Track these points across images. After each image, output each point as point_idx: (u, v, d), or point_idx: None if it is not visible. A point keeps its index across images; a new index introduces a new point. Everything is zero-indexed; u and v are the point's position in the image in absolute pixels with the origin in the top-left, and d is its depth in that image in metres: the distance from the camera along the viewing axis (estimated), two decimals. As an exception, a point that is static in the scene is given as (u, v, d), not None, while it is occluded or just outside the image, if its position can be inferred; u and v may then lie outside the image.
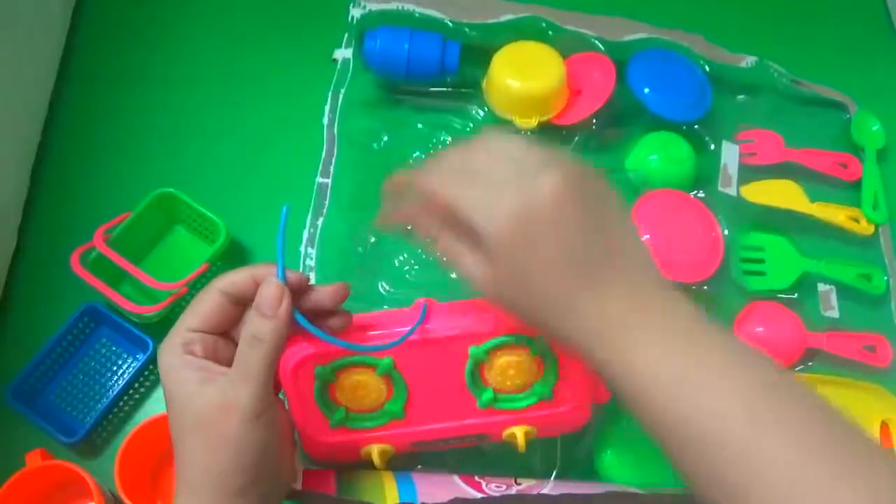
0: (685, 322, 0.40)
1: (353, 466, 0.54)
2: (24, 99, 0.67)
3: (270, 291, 0.41)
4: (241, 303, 0.44)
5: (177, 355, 0.42)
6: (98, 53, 0.74)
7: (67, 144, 0.70)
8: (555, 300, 0.40)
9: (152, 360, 0.61)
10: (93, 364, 0.62)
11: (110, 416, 0.61)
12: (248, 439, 0.40)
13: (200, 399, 0.40)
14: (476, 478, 0.54)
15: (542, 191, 0.39)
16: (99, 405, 0.59)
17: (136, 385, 0.62)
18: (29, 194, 0.67)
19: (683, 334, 0.39)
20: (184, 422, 0.41)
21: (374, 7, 0.73)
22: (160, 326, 0.61)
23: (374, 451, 0.50)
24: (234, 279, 0.43)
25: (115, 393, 0.59)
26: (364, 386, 0.49)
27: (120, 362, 0.62)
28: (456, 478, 0.54)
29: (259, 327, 0.41)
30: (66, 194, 0.68)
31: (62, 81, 0.72)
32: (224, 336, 0.44)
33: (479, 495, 0.50)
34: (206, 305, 0.43)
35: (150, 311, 0.60)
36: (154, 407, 0.62)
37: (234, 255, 0.66)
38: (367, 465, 0.53)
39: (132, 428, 0.56)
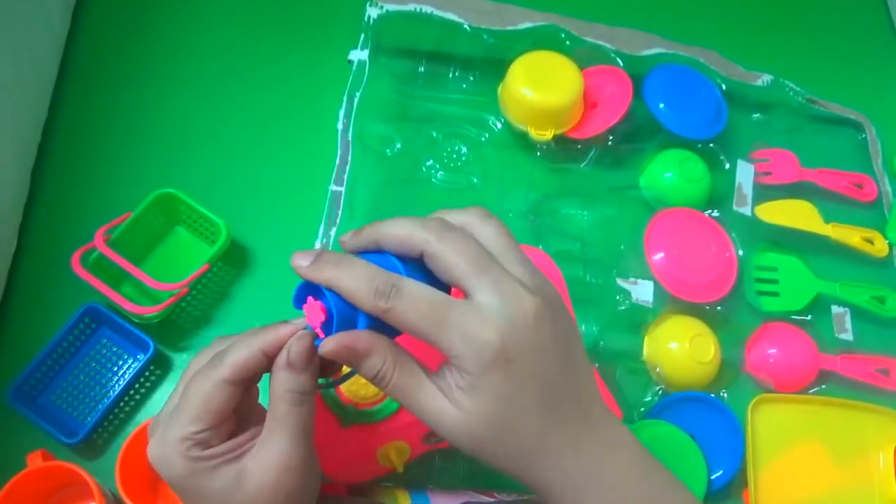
0: (637, 455, 0.44)
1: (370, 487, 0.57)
2: (25, 99, 0.68)
3: (304, 345, 0.41)
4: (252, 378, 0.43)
5: (191, 459, 0.40)
6: (98, 53, 0.77)
7: (68, 145, 0.72)
8: (531, 447, 0.41)
9: (153, 361, 0.64)
10: (93, 365, 0.64)
11: (111, 417, 0.62)
12: (308, 490, 0.42)
13: (247, 475, 0.40)
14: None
15: (526, 315, 0.39)
16: (100, 406, 0.61)
17: (137, 386, 0.64)
18: (30, 195, 0.69)
19: (638, 470, 0.44)
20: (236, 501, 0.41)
21: (392, 7, 0.76)
22: (161, 327, 0.65)
23: (391, 449, 0.53)
24: (243, 364, 0.41)
25: (115, 393, 0.61)
26: None
27: (121, 363, 0.64)
28: (470, 492, 0.57)
29: (298, 382, 0.41)
30: (66, 195, 0.70)
31: (62, 82, 0.74)
32: None
33: (492, 500, 0.54)
34: (216, 403, 0.40)
35: (150, 311, 0.62)
36: (155, 408, 0.63)
37: (234, 256, 0.69)
38: (386, 478, 0.56)
39: (133, 429, 0.58)
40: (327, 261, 0.40)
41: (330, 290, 0.40)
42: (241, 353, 0.41)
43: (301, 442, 0.41)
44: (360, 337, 0.40)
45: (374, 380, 0.41)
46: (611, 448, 0.43)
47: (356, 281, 0.39)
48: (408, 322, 0.39)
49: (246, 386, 0.42)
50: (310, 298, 0.41)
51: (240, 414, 0.43)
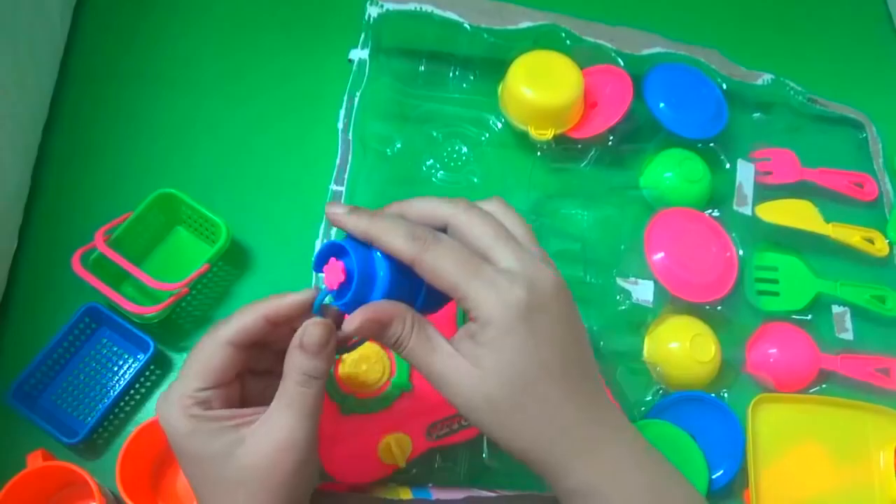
0: (639, 440, 0.44)
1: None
2: (25, 100, 0.68)
3: (319, 332, 0.42)
4: (255, 346, 0.44)
5: (191, 418, 0.41)
6: (98, 53, 0.77)
7: (68, 145, 0.72)
8: (547, 414, 0.41)
9: (153, 361, 0.64)
10: (94, 364, 0.64)
11: (111, 417, 0.63)
12: (305, 475, 0.42)
13: (245, 447, 0.41)
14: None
15: (547, 282, 0.41)
16: (100, 406, 0.61)
17: (137, 385, 0.64)
18: (30, 195, 0.69)
19: (642, 453, 0.44)
20: (225, 476, 0.41)
21: (392, 6, 0.76)
22: (161, 327, 0.65)
23: (392, 441, 0.53)
24: (243, 326, 0.43)
25: (116, 393, 0.61)
26: (366, 358, 0.53)
27: (121, 363, 0.64)
28: (472, 490, 0.57)
29: (311, 365, 0.41)
30: (66, 195, 0.70)
31: (62, 82, 0.74)
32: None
33: (494, 495, 0.54)
34: (216, 361, 0.42)
35: (151, 311, 0.62)
36: (155, 407, 0.64)
37: (234, 256, 0.69)
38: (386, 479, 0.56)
39: (133, 428, 0.58)
40: (363, 214, 0.42)
41: (367, 239, 0.41)
42: (244, 316, 0.43)
43: (304, 423, 0.41)
44: (381, 307, 0.41)
45: (393, 345, 0.41)
46: (615, 431, 0.43)
47: (395, 228, 0.40)
48: (443, 268, 0.40)
49: (250, 348, 0.44)
50: (332, 259, 0.41)
51: (249, 393, 0.45)
